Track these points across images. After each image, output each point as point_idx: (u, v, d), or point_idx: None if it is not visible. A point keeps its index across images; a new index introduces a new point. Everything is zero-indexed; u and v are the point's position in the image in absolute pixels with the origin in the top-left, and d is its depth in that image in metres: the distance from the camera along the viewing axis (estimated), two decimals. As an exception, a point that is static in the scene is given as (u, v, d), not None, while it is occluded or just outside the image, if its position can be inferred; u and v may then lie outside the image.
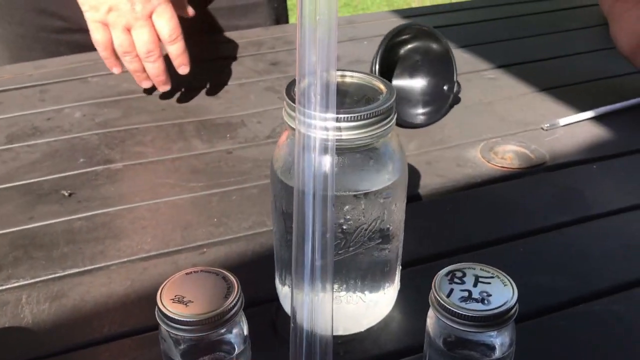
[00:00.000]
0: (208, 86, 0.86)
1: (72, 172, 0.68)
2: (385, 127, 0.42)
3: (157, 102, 0.82)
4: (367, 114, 0.40)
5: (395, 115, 0.43)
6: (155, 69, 0.76)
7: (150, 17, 0.74)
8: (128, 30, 0.74)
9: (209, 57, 0.93)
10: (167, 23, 0.74)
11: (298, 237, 0.40)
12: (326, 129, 0.38)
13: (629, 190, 0.65)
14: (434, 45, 0.78)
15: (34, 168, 0.69)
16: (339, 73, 0.45)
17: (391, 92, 0.43)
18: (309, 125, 0.39)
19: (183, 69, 0.78)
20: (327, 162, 0.39)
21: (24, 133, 0.75)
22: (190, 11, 0.85)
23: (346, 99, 0.43)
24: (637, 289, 0.53)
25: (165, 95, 0.83)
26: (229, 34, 0.99)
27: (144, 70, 0.76)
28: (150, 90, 0.84)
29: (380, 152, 0.43)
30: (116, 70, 0.78)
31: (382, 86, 0.43)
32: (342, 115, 0.40)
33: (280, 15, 1.05)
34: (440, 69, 0.77)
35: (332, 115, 0.38)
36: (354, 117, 0.40)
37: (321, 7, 0.37)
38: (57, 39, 0.93)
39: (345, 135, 0.40)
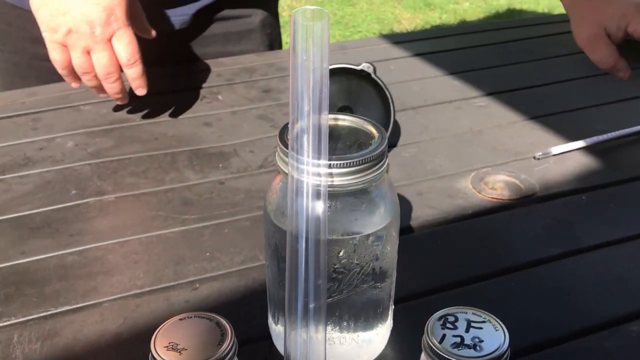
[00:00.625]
0: (201, 114, 0.86)
1: (64, 204, 0.68)
2: (378, 172, 0.42)
3: (150, 130, 0.82)
4: (359, 160, 0.41)
5: (387, 160, 0.43)
6: (113, 89, 0.78)
7: (109, 40, 0.74)
8: (87, 52, 0.74)
9: (201, 85, 0.93)
10: (125, 47, 0.75)
11: (291, 280, 0.40)
12: (319, 174, 0.39)
13: (619, 222, 0.66)
14: (368, 87, 0.76)
15: (25, 200, 0.69)
16: (331, 116, 0.45)
17: (383, 137, 0.43)
18: (302, 171, 0.39)
19: (140, 91, 0.79)
20: (319, 207, 0.39)
21: (16, 163, 0.75)
22: (153, 33, 0.85)
23: (338, 144, 0.43)
24: (629, 325, 0.53)
25: (158, 124, 0.83)
26: (222, 60, 1.00)
27: (102, 86, 0.78)
28: (144, 116, 0.84)
29: (373, 195, 0.44)
30: (75, 84, 0.80)
31: (374, 130, 0.44)
32: (334, 162, 0.40)
33: (273, 41, 1.06)
34: (375, 111, 0.76)
35: (324, 161, 0.39)
36: (347, 163, 0.40)
37: (314, 55, 0.38)
38: (50, 68, 0.93)
39: (338, 180, 0.41)
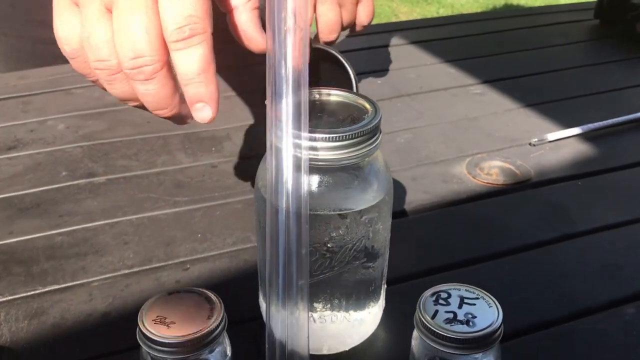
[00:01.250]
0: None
1: (54, 185, 0.67)
2: (370, 147, 0.41)
3: (142, 114, 0.81)
4: (351, 135, 0.40)
5: (381, 135, 0.43)
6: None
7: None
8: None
9: (195, 69, 0.92)
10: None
11: (271, 255, 0.39)
12: (299, 146, 0.37)
13: (614, 207, 0.65)
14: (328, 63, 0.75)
15: (15, 181, 0.68)
16: (325, 91, 0.45)
17: (376, 111, 0.42)
18: (283, 142, 0.37)
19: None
20: (301, 181, 0.38)
21: (5, 145, 0.74)
22: None
23: (331, 118, 0.43)
24: (622, 308, 0.53)
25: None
26: (215, 46, 0.99)
27: None
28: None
29: (366, 171, 0.43)
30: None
31: (367, 105, 0.43)
32: (327, 135, 0.40)
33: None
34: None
35: (304, 133, 0.37)
36: (338, 137, 0.40)
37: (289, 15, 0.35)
38: (55, 52, 0.92)
39: (330, 155, 0.40)
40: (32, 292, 0.54)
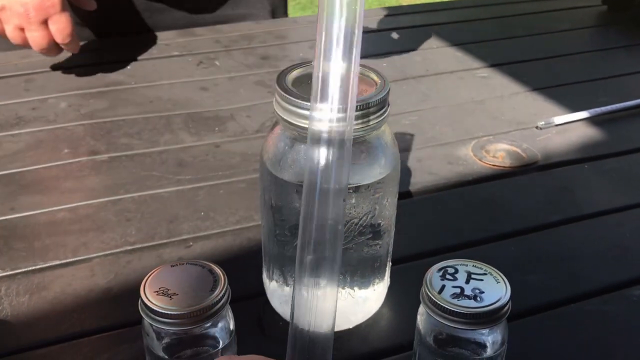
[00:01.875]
0: (197, 79, 0.85)
1: (56, 162, 0.67)
2: (378, 120, 0.41)
3: (145, 94, 0.81)
4: (359, 106, 0.39)
5: (389, 108, 0.42)
6: (50, 54, 0.80)
7: (45, 22, 0.75)
8: (21, 29, 0.76)
9: (198, 50, 0.92)
10: (60, 32, 0.76)
11: (302, 232, 0.37)
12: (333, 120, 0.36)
13: (620, 191, 0.65)
14: None
15: (16, 158, 0.67)
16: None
17: (385, 84, 0.42)
18: (315, 119, 0.36)
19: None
20: (330, 155, 0.36)
21: (7, 122, 0.74)
22: (93, 5, 0.84)
23: (339, 90, 0.42)
24: (628, 290, 0.52)
25: (153, 87, 0.82)
26: (219, 27, 0.98)
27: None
28: (139, 80, 0.82)
29: (373, 145, 0.42)
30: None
31: (375, 77, 0.43)
32: (332, 106, 0.39)
33: (276, 7, 1.04)
34: None
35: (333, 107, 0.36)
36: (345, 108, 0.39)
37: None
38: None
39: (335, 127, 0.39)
40: (33, 267, 0.53)
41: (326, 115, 0.34)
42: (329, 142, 0.34)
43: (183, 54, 0.91)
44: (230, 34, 0.97)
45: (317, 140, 0.34)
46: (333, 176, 0.35)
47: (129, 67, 0.86)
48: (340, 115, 0.34)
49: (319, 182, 0.34)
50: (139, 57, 0.89)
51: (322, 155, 0.34)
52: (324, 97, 0.34)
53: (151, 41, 0.93)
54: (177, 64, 0.88)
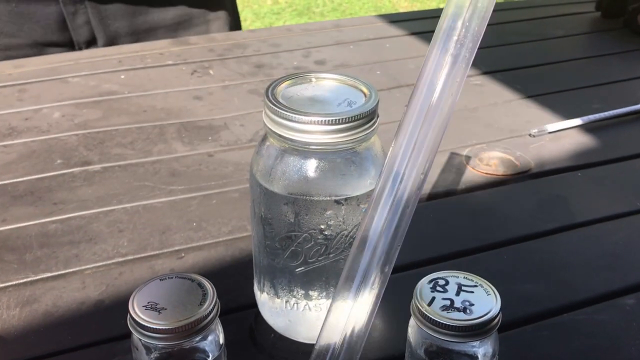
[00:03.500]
0: (191, 88, 0.85)
1: (49, 173, 0.67)
2: (367, 132, 0.41)
3: (138, 103, 0.81)
4: (348, 118, 0.39)
5: (378, 119, 0.42)
6: None
7: None
8: None
9: (192, 59, 0.92)
10: None
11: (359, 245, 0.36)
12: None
13: (614, 199, 0.65)
14: None
15: (9, 169, 0.67)
16: (321, 75, 0.44)
17: (374, 96, 0.42)
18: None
19: None
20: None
21: (0, 133, 0.73)
22: None
23: (327, 103, 0.42)
24: (622, 299, 0.52)
25: (147, 97, 0.82)
26: (213, 36, 0.98)
27: None
28: (133, 89, 0.82)
29: (362, 156, 0.42)
30: None
31: (365, 89, 0.43)
32: (321, 119, 0.39)
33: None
34: None
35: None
36: (334, 120, 0.39)
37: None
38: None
39: (325, 139, 0.39)
40: (25, 280, 0.53)
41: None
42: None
43: (177, 63, 0.91)
44: (224, 43, 0.97)
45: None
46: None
47: (122, 76, 0.86)
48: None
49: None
50: (133, 66, 0.89)
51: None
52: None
53: (145, 50, 0.93)
54: (171, 73, 0.88)
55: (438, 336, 0.37)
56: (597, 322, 0.50)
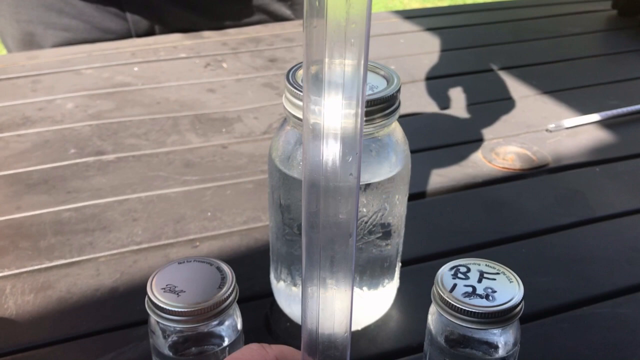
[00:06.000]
0: (204, 81, 0.84)
1: (63, 162, 0.66)
2: (388, 117, 0.40)
3: (152, 95, 0.80)
4: (370, 102, 0.39)
5: (399, 105, 0.41)
6: None
7: None
8: None
9: (206, 52, 0.91)
10: None
11: (309, 230, 0.36)
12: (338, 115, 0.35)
13: (632, 194, 0.64)
14: None
15: (23, 158, 0.67)
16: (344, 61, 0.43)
17: (396, 82, 0.41)
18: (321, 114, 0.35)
19: None
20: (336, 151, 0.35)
21: (14, 122, 0.73)
22: None
23: (349, 86, 0.41)
24: (642, 293, 0.51)
25: (160, 89, 0.82)
26: (227, 30, 0.98)
27: None
28: (146, 81, 0.82)
29: (383, 142, 0.42)
30: None
31: (387, 75, 0.42)
32: (342, 102, 0.38)
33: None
34: None
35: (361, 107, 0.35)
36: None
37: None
38: (65, 36, 0.91)
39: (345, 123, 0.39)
40: (39, 267, 0.53)
41: (334, 109, 0.33)
42: (338, 138, 0.33)
43: (190, 56, 0.90)
44: (237, 37, 0.96)
45: (320, 136, 0.33)
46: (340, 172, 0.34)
47: (136, 68, 0.86)
48: (351, 110, 0.33)
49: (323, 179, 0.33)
50: (146, 59, 0.89)
51: (331, 151, 0.33)
52: (332, 89, 0.33)
53: (158, 43, 0.93)
54: (184, 65, 0.88)
55: (459, 323, 0.36)
56: (617, 315, 0.49)
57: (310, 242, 0.34)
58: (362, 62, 0.33)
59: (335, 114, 0.32)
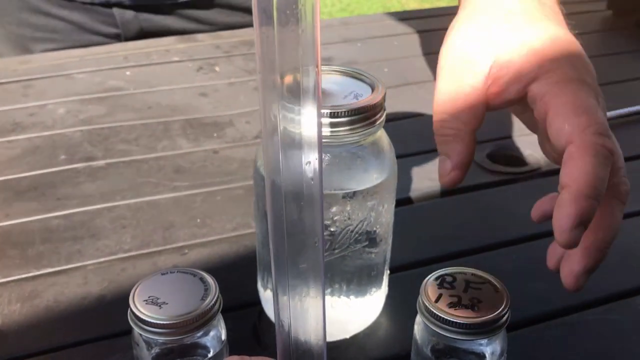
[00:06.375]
0: (197, 85, 0.84)
1: (53, 168, 0.66)
2: (372, 125, 0.40)
3: (143, 100, 0.80)
4: (354, 110, 0.38)
5: (385, 113, 0.41)
6: None
7: None
8: None
9: (198, 56, 0.91)
10: None
11: (275, 238, 0.36)
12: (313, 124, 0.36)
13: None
14: None
15: (12, 164, 0.67)
16: (329, 68, 0.43)
17: (380, 89, 0.41)
18: (293, 121, 0.36)
19: None
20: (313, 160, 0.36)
21: (4, 128, 0.73)
22: None
23: (333, 95, 0.41)
24: (634, 298, 0.51)
25: (152, 93, 0.81)
26: (220, 33, 0.97)
27: None
28: (138, 85, 0.82)
29: (368, 150, 0.41)
30: None
31: (372, 83, 0.42)
32: (327, 111, 0.38)
33: None
34: None
35: (318, 110, 0.35)
36: (340, 113, 0.38)
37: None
38: (55, 38, 0.91)
39: (331, 132, 0.39)
40: (26, 275, 0.52)
41: (294, 114, 0.32)
42: (298, 143, 0.32)
43: (183, 60, 0.90)
44: (230, 40, 0.96)
45: (280, 141, 0.32)
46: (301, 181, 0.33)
47: (128, 72, 0.86)
48: (310, 115, 0.32)
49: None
50: (139, 63, 0.88)
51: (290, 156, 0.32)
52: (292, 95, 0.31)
53: (151, 47, 0.93)
54: (176, 69, 0.87)
55: (445, 334, 0.36)
56: (608, 321, 0.49)
57: (277, 250, 0.33)
58: (317, 68, 0.32)
59: (294, 119, 0.32)
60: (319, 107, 0.31)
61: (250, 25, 0.99)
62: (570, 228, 0.35)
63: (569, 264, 0.40)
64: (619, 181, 0.40)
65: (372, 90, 0.41)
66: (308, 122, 0.32)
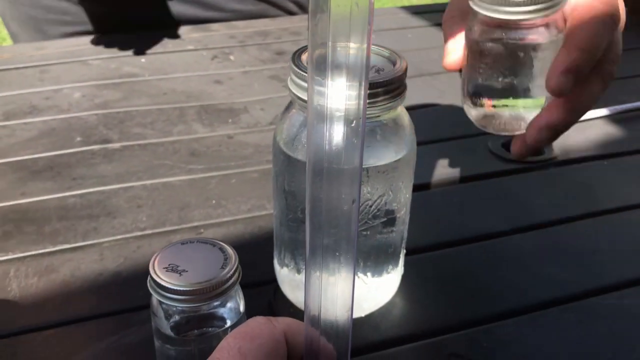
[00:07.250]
0: (212, 72, 0.84)
1: (68, 150, 0.66)
2: (393, 100, 0.40)
3: (159, 86, 0.80)
4: (376, 84, 0.38)
5: (406, 89, 0.41)
6: None
7: None
8: None
9: (213, 45, 0.91)
10: None
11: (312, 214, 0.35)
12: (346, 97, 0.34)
13: (639, 187, 0.63)
14: None
15: (29, 145, 0.67)
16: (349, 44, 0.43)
17: (402, 64, 0.41)
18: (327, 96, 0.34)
19: None
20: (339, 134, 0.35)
21: (21, 111, 0.73)
22: None
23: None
24: (649, 285, 0.51)
25: (167, 80, 0.82)
26: (235, 23, 0.98)
27: None
28: (153, 72, 0.82)
29: (388, 126, 0.41)
30: None
31: (392, 57, 0.42)
32: (348, 84, 0.38)
33: None
34: None
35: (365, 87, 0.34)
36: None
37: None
38: (67, 20, 0.92)
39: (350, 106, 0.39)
40: (43, 251, 0.53)
41: (338, 91, 0.32)
42: (341, 120, 0.33)
43: (198, 49, 0.90)
44: (245, 30, 0.96)
45: (324, 118, 0.32)
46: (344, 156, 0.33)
47: (143, 59, 0.86)
48: (354, 92, 0.32)
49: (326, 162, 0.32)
50: (154, 51, 0.89)
51: (334, 134, 0.32)
52: (335, 71, 0.32)
53: (166, 35, 0.93)
54: (191, 57, 0.88)
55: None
56: (622, 306, 0.49)
57: (313, 226, 0.33)
58: (366, 44, 0.32)
59: (339, 96, 0.32)
60: (366, 86, 0.31)
61: (259, 14, 0.99)
62: (560, 72, 0.38)
63: (535, 120, 0.43)
64: (608, 59, 0.42)
65: (394, 65, 0.41)
66: (351, 97, 0.31)
